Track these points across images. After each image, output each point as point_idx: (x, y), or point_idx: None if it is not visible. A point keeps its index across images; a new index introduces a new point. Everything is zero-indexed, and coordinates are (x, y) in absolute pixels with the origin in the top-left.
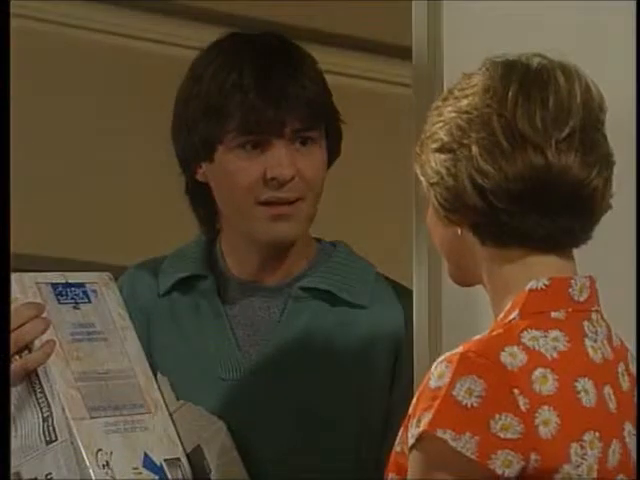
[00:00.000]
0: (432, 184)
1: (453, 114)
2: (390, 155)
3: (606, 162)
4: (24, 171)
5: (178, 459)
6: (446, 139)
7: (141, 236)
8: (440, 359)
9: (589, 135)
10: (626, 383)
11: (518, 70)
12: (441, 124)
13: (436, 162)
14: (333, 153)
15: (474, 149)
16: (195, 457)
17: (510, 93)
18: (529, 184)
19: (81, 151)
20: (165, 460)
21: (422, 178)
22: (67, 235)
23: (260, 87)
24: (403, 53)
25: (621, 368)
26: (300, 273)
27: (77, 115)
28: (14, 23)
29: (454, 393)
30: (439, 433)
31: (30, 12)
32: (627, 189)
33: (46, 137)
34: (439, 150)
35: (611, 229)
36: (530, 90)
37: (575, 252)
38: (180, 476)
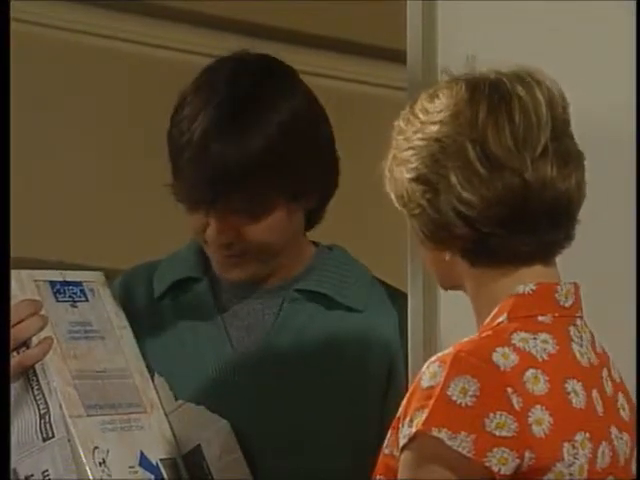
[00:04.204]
0: (414, 215)
1: (423, 142)
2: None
3: (578, 163)
4: (21, 173)
5: (174, 459)
6: (422, 169)
7: (137, 240)
8: (432, 359)
9: (561, 142)
10: (609, 388)
11: (482, 91)
12: (411, 151)
13: (414, 193)
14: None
15: (453, 179)
16: (194, 457)
17: (480, 117)
18: (512, 205)
19: (79, 153)
20: (161, 460)
21: (402, 209)
22: (63, 239)
23: (201, 159)
24: (397, 56)
25: (605, 374)
26: (296, 276)
27: (75, 118)
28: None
29: (449, 393)
30: (434, 432)
31: (18, 14)
32: (627, 190)
33: (44, 140)
34: (415, 180)
35: (611, 231)
36: (498, 111)
37: (574, 256)
38: (176, 476)
